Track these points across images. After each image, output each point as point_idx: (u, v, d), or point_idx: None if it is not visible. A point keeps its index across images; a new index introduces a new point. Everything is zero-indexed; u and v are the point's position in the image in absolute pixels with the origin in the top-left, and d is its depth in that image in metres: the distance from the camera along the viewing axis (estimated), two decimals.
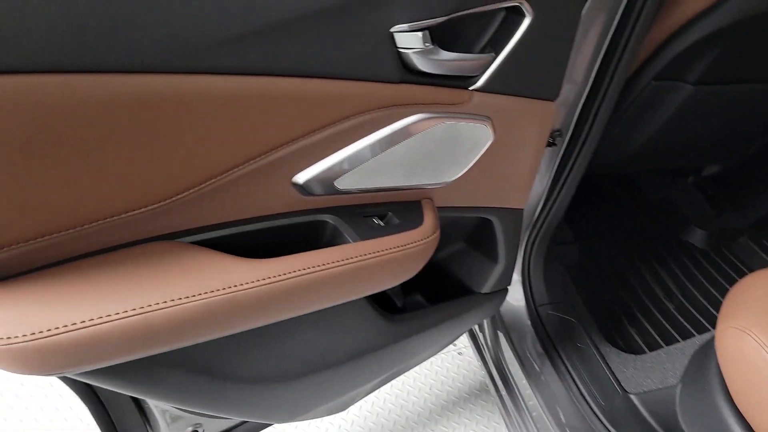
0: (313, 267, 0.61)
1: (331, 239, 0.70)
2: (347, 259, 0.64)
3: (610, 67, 0.90)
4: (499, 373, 1.27)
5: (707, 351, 1.04)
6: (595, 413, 1.09)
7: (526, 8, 0.67)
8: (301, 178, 0.64)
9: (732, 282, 1.50)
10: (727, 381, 0.89)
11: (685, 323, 1.37)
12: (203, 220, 0.59)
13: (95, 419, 0.77)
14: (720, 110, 1.25)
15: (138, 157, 0.49)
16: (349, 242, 0.67)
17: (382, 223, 0.73)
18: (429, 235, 0.73)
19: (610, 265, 1.53)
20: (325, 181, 0.66)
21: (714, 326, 1.18)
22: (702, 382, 1.04)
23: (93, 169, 0.47)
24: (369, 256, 0.66)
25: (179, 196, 0.54)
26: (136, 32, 0.44)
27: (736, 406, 0.88)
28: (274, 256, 0.63)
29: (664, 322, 1.37)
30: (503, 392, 1.27)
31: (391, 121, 0.66)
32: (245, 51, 0.51)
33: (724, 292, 1.47)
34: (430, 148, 0.72)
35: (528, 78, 0.75)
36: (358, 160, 0.66)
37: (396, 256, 0.69)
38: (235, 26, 0.49)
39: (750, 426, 0.85)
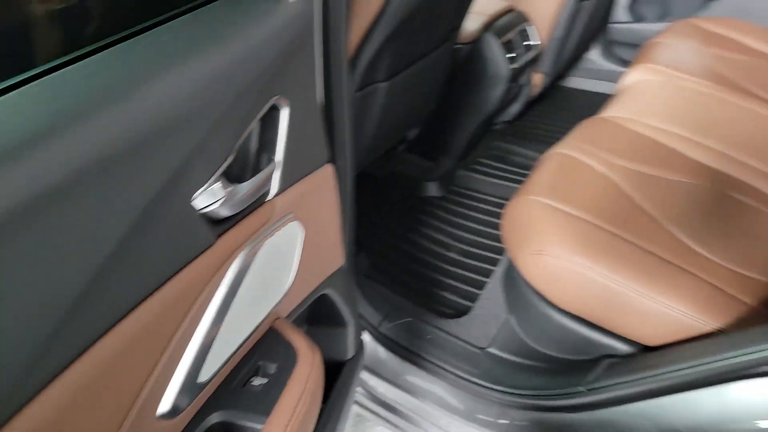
0: None
1: None
2: None
3: (339, 93, 0.90)
4: (383, 407, 1.27)
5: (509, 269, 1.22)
6: (479, 384, 1.18)
7: (282, 102, 0.64)
8: (164, 406, 0.51)
9: (474, 207, 1.76)
10: (511, 249, 1.13)
11: (475, 262, 1.56)
12: None
13: None
14: (409, 87, 1.41)
15: None
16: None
17: (264, 380, 0.64)
18: (311, 360, 0.67)
19: (392, 250, 1.63)
20: (189, 387, 0.54)
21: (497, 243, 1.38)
22: (510, 278, 1.27)
23: None
24: None
25: None
26: None
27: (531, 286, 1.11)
28: None
29: (462, 271, 1.54)
30: (395, 421, 1.28)
31: (219, 281, 0.57)
32: None
33: (474, 218, 1.71)
34: (261, 276, 0.65)
35: (306, 157, 0.72)
36: (206, 343, 0.56)
37: (303, 409, 0.61)
38: None
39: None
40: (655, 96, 1.49)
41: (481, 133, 1.93)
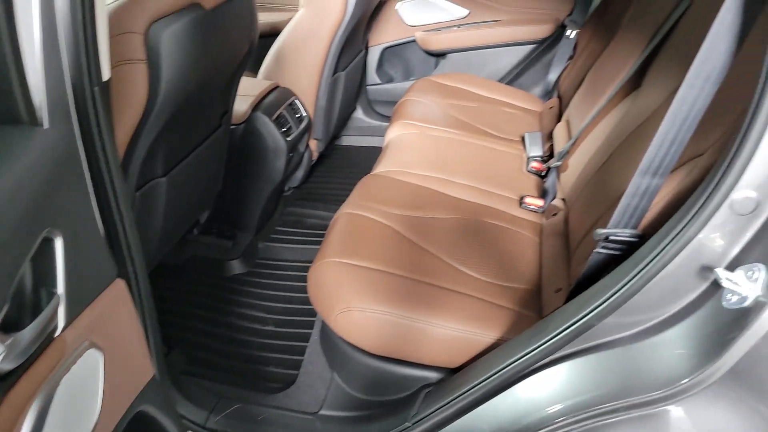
0: None
1: None
2: None
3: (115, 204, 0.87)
4: None
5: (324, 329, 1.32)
6: None
7: (54, 233, 0.62)
8: None
9: (281, 276, 1.81)
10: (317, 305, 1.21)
11: (292, 329, 1.60)
12: None
13: None
14: (190, 175, 1.42)
15: None
16: None
17: None
18: None
19: (207, 338, 1.58)
20: None
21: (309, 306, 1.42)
22: (327, 337, 1.35)
23: None
24: None
25: None
26: None
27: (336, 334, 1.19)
28: None
29: (281, 342, 1.56)
30: None
31: None
32: None
33: (283, 287, 1.75)
34: (63, 418, 0.61)
35: (91, 280, 0.71)
36: None
37: None
38: None
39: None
40: (413, 148, 1.72)
41: (273, 203, 2.00)
